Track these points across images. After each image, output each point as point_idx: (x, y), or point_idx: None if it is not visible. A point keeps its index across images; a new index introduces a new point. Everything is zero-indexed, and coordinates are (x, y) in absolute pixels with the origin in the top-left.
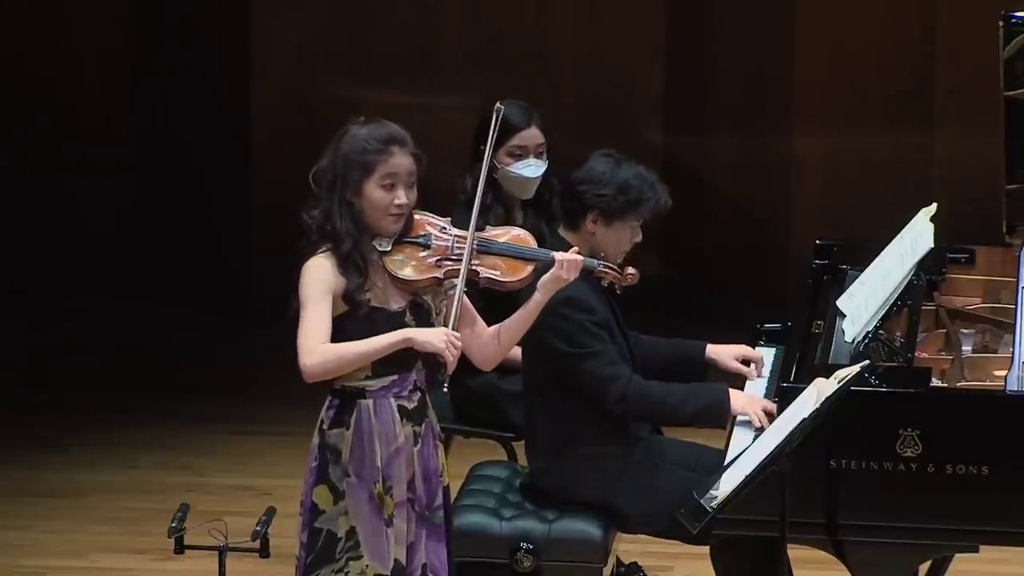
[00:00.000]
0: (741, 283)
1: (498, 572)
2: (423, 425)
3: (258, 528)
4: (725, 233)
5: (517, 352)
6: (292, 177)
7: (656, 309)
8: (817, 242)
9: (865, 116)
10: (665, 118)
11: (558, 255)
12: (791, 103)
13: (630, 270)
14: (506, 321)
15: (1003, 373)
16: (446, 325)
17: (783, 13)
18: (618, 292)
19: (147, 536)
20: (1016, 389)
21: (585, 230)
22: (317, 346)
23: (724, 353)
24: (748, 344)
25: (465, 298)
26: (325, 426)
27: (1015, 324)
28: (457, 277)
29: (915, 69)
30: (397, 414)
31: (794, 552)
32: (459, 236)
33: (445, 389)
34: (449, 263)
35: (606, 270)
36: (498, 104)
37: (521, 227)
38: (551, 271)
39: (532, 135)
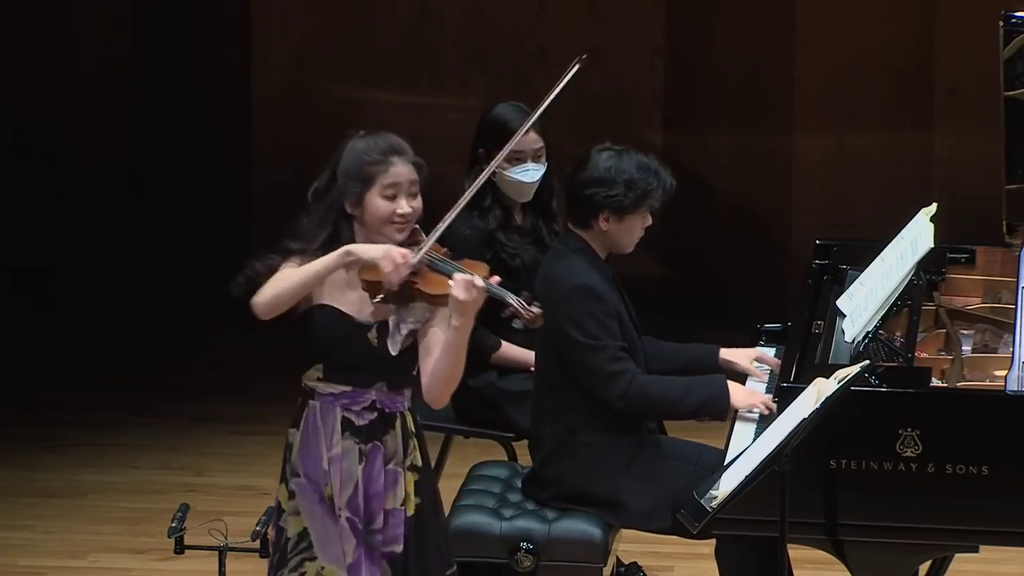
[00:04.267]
0: (741, 283)
1: (498, 572)
2: (370, 445)
3: (258, 528)
4: (725, 233)
5: (517, 351)
6: (292, 177)
7: (656, 309)
8: (817, 242)
9: (865, 116)
10: (665, 118)
11: (457, 276)
12: (791, 103)
13: (535, 309)
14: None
15: (1003, 373)
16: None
17: (783, 13)
18: (516, 328)
19: (147, 536)
20: (1016, 389)
21: (597, 228)
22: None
23: (739, 357)
24: (748, 346)
25: (438, 329)
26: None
27: (1015, 324)
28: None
29: (915, 69)
30: (340, 424)
31: (794, 552)
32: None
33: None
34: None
35: (518, 308)
36: (577, 62)
37: (519, 227)
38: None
39: (530, 139)
